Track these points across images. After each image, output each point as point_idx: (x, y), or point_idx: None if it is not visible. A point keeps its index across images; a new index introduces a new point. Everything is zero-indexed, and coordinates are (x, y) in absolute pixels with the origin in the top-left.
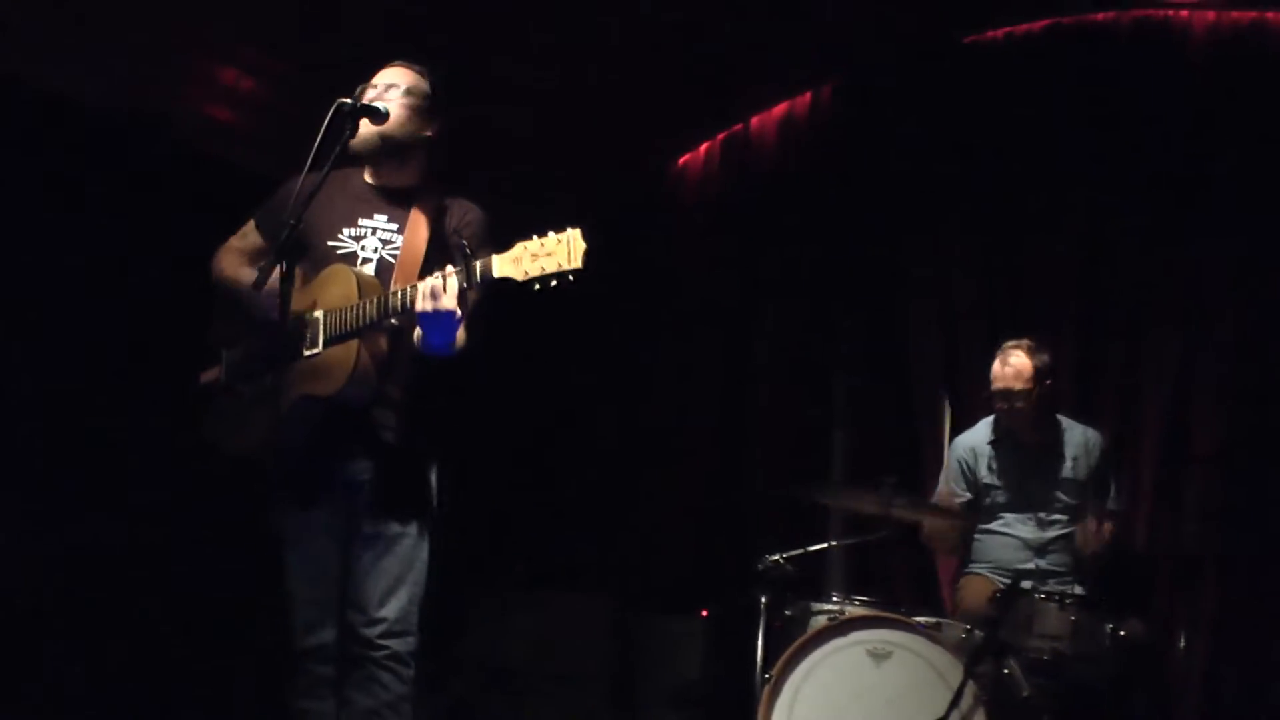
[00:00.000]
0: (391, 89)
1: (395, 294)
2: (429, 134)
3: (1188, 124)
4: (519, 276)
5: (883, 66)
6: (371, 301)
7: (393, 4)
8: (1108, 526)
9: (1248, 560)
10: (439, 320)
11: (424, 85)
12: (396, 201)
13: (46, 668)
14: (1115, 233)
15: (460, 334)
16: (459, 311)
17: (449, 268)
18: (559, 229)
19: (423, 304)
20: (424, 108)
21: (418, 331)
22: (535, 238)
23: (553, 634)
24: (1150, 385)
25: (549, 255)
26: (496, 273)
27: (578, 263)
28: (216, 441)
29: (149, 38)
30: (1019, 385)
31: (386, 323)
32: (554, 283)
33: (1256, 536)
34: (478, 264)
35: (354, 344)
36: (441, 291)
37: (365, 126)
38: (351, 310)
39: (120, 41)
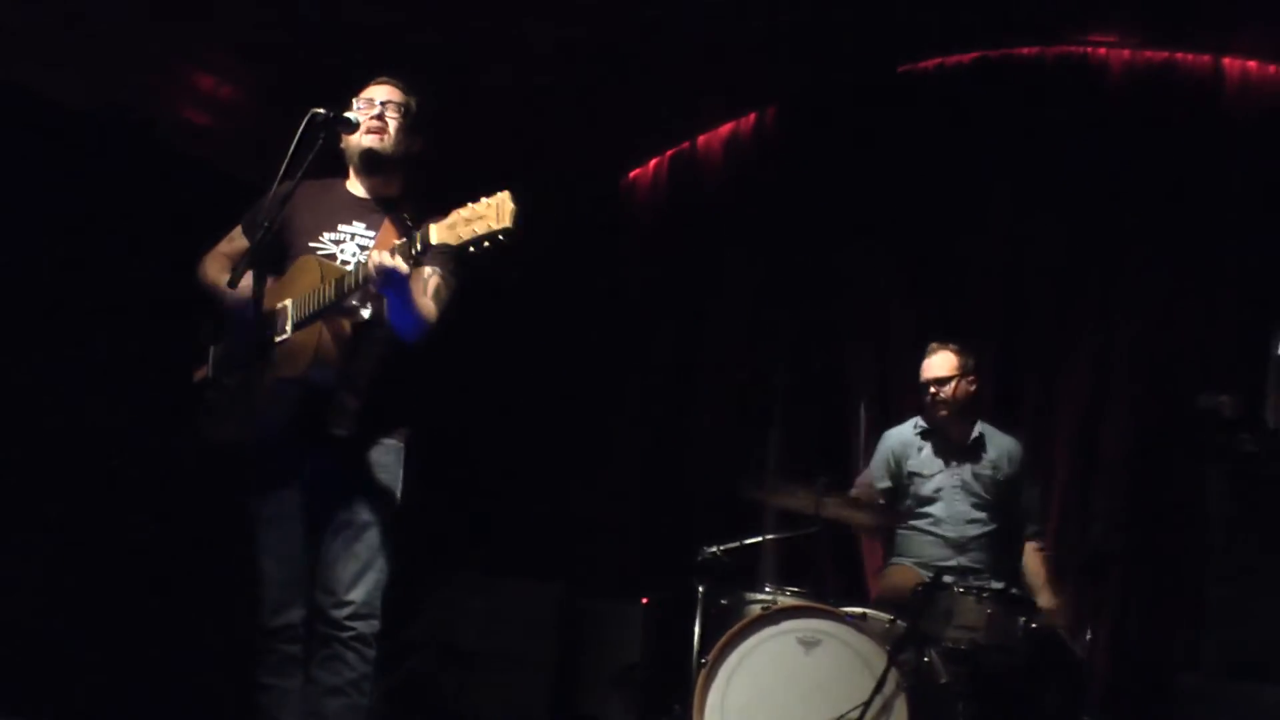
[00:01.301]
0: (385, 106)
1: (351, 272)
2: (415, 150)
3: (1104, 150)
4: (454, 241)
5: (824, 91)
6: (330, 283)
7: (367, 16)
8: (1042, 562)
9: (1149, 558)
10: (392, 284)
11: (412, 102)
12: (376, 210)
13: (17, 647)
14: (1036, 251)
15: (429, 310)
16: (408, 273)
17: (396, 241)
18: (490, 194)
19: (375, 271)
20: (411, 125)
21: (387, 308)
22: (469, 205)
23: (502, 617)
24: (1062, 397)
25: (481, 218)
26: (434, 239)
27: (508, 222)
28: (208, 437)
29: (132, 43)
30: (944, 373)
31: (346, 302)
32: (487, 243)
33: (1158, 536)
34: (418, 234)
35: (317, 327)
36: (390, 256)
37: (357, 142)
38: (314, 294)
39: (104, 46)
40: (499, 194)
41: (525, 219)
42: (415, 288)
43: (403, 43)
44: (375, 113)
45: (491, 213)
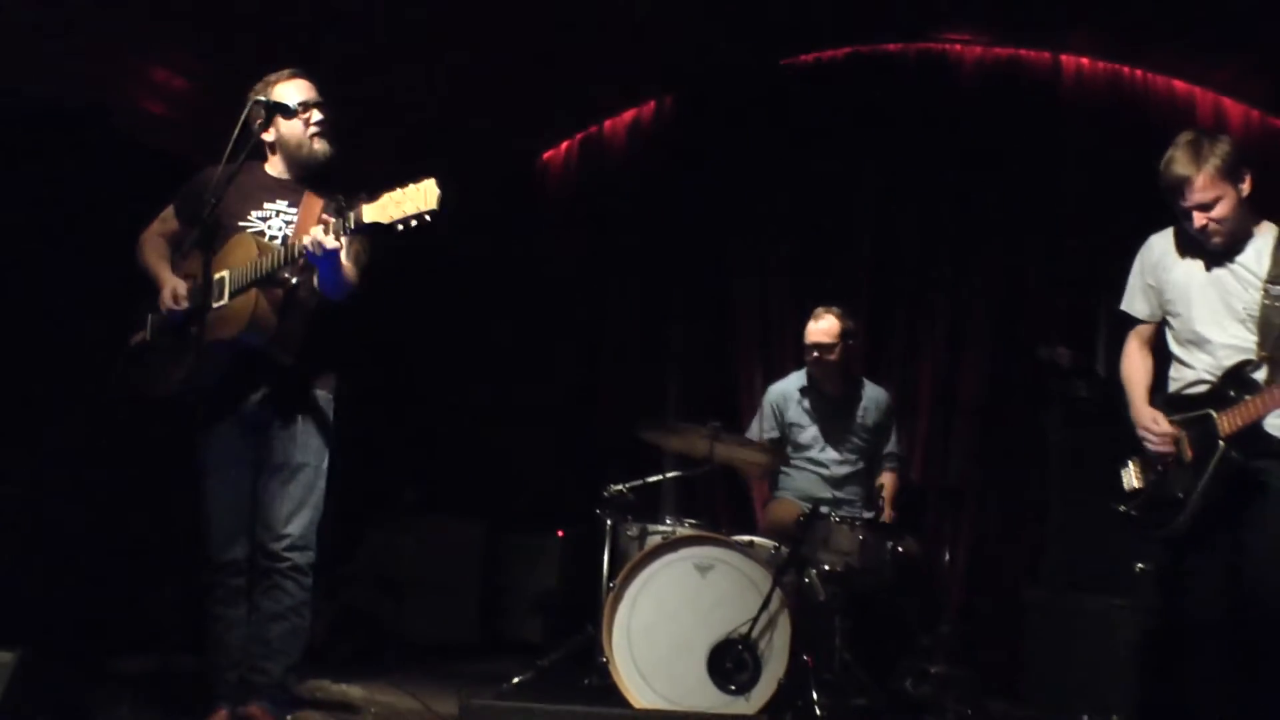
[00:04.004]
0: (320, 108)
1: (286, 248)
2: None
3: (958, 135)
4: (385, 220)
5: (715, 83)
6: (266, 257)
7: (299, 15)
8: (893, 481)
9: (999, 489)
10: (327, 258)
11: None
12: (296, 189)
13: None
14: (900, 225)
15: (352, 274)
16: (342, 247)
17: (329, 218)
18: (416, 179)
19: (312, 247)
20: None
21: (317, 278)
22: (398, 188)
23: (433, 551)
24: (924, 352)
25: (409, 200)
26: (366, 219)
27: (433, 205)
28: (141, 388)
29: (91, 39)
30: (828, 340)
31: (281, 274)
32: (414, 223)
33: (1006, 471)
34: (351, 214)
35: (252, 294)
36: (325, 234)
37: (308, 146)
38: (251, 265)
39: (65, 40)
40: (425, 180)
41: (448, 204)
42: (342, 262)
43: (325, 38)
44: (318, 117)
45: (419, 196)
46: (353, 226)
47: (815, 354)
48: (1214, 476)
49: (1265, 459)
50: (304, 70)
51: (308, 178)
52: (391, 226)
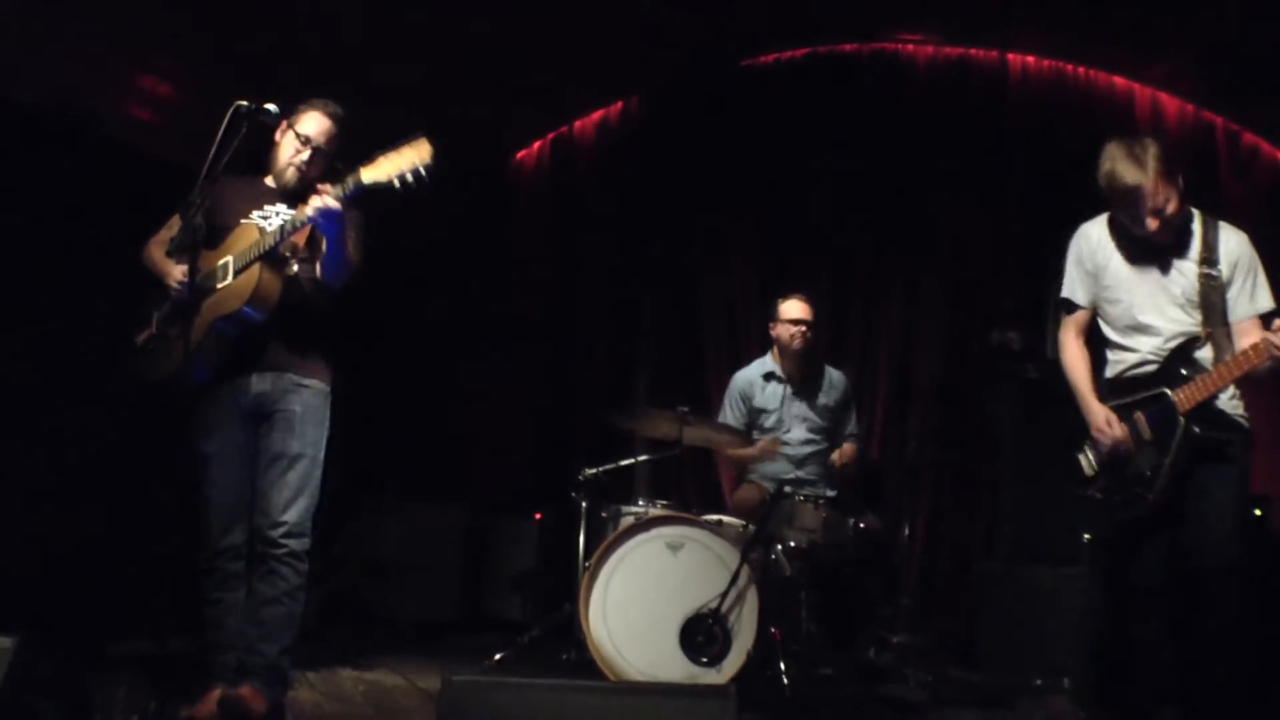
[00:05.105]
0: (316, 152)
1: (287, 221)
2: (331, 161)
3: (912, 131)
4: (384, 178)
5: (679, 83)
6: (269, 235)
7: (283, 18)
8: (851, 449)
9: (955, 467)
10: (330, 217)
11: (337, 130)
12: (293, 196)
13: None
14: (858, 216)
15: (354, 254)
16: (340, 207)
17: (329, 186)
18: (408, 139)
19: (315, 213)
20: (332, 150)
21: (320, 263)
22: (391, 151)
23: (416, 535)
24: (882, 338)
25: (403, 156)
26: (366, 180)
27: (427, 158)
28: (143, 374)
29: (78, 45)
30: (810, 317)
31: (282, 248)
32: (411, 179)
33: (961, 449)
34: (350, 178)
35: (255, 269)
36: (326, 195)
37: (282, 171)
38: (255, 244)
39: (55, 49)
40: (417, 138)
41: (441, 158)
42: (347, 235)
43: (301, 41)
44: (305, 157)
45: (413, 152)
46: (352, 188)
47: (803, 330)
48: (1179, 451)
49: (1224, 430)
50: (335, 106)
51: (305, 191)
52: (390, 185)
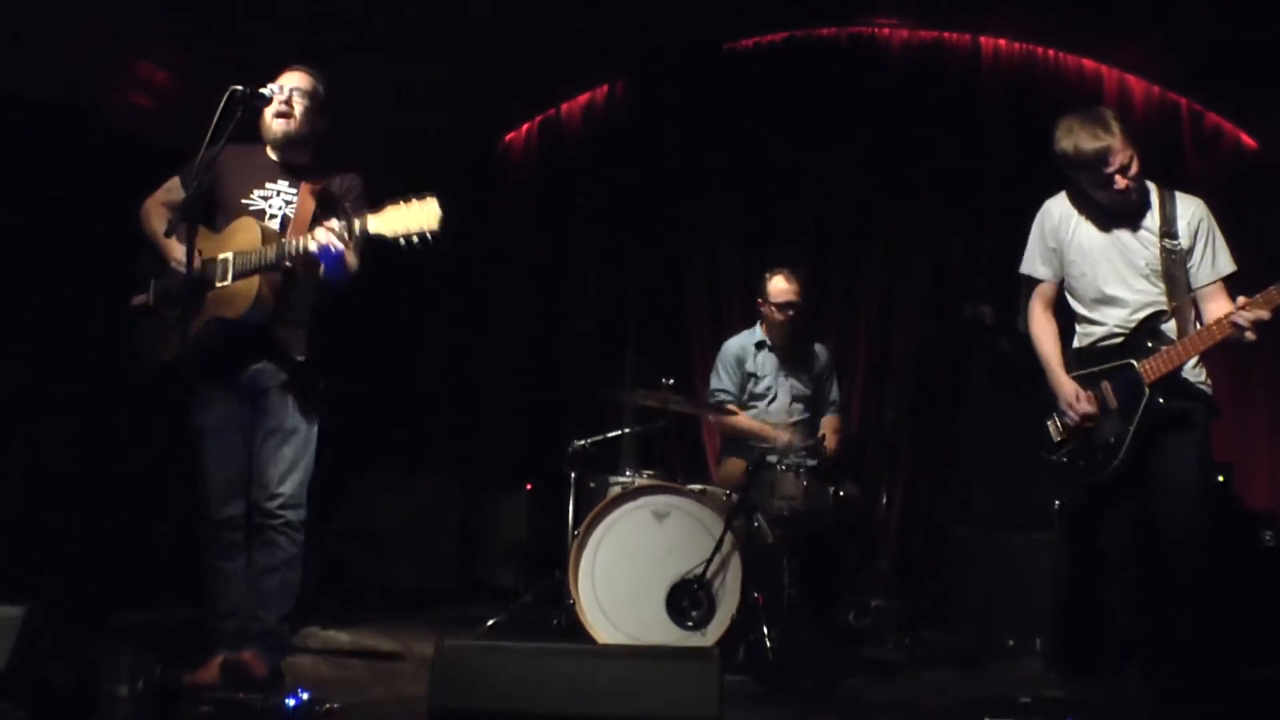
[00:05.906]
0: (294, 93)
1: (289, 243)
2: (320, 127)
3: (887, 112)
4: (389, 234)
5: (663, 66)
6: (271, 247)
7: (279, 11)
8: (835, 420)
9: (930, 436)
10: (332, 256)
11: (319, 87)
12: (294, 173)
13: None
14: (837, 195)
15: (352, 260)
16: (346, 249)
17: (335, 223)
18: (420, 197)
19: (317, 248)
20: (317, 107)
21: (322, 270)
22: (400, 202)
23: (412, 506)
24: (860, 313)
25: (412, 218)
26: (371, 229)
27: (434, 225)
28: (142, 354)
29: (78, 38)
30: (798, 299)
31: (282, 265)
32: (415, 239)
33: (936, 419)
34: (357, 223)
35: (256, 279)
36: (334, 239)
37: (269, 124)
38: (255, 253)
39: (54, 41)
40: (429, 199)
41: (446, 222)
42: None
43: (293, 26)
44: (284, 98)
45: (422, 215)
46: (357, 234)
47: (790, 311)
48: (1143, 420)
49: (1187, 400)
50: (304, 63)
51: (300, 164)
52: (394, 240)
